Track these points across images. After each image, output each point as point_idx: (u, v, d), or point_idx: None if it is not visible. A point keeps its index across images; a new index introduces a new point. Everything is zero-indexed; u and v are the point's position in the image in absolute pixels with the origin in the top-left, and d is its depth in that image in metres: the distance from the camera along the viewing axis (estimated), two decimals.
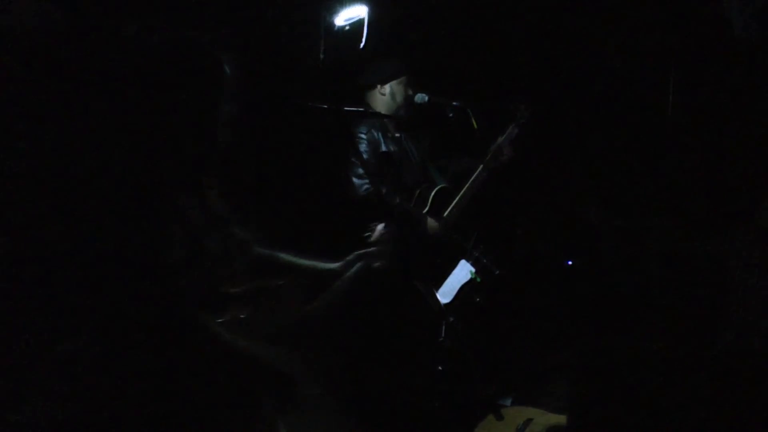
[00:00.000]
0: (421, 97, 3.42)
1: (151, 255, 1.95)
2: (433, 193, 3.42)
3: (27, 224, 2.36)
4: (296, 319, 2.09)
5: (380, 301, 3.16)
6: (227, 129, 2.06)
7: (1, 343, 2.22)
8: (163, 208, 1.95)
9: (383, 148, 3.37)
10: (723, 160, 3.72)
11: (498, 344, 3.71)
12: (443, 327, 2.94)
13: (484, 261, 3.19)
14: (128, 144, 2.26)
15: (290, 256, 2.35)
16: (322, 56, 3.37)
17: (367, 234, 2.42)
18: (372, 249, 2.37)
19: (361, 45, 3.40)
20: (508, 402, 3.41)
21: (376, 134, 3.37)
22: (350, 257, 2.36)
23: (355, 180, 3.23)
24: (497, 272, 3.20)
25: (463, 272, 3.23)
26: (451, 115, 3.34)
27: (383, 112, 3.41)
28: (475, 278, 3.20)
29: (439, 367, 3.02)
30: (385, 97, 3.43)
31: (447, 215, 3.38)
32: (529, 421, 3.00)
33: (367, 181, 3.20)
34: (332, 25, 3.34)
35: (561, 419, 2.98)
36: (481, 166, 3.45)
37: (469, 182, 3.44)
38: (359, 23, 3.35)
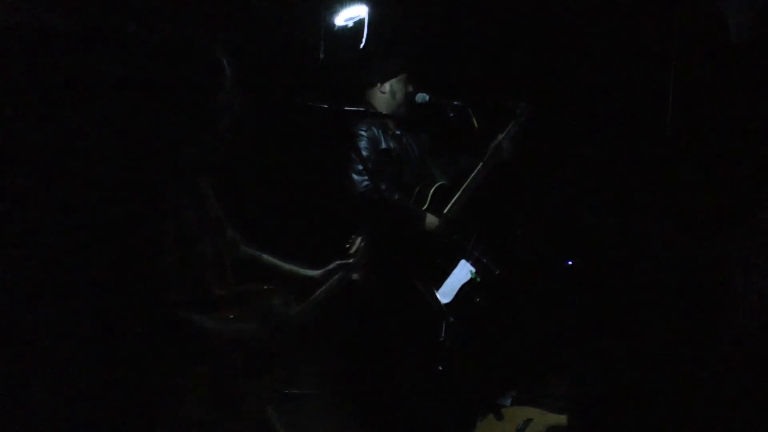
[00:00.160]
0: (422, 97, 3.42)
1: (144, 255, 1.95)
2: (432, 190, 3.43)
3: (23, 224, 2.36)
4: (278, 324, 2.10)
5: (380, 301, 3.17)
6: (227, 128, 2.06)
7: None
8: (157, 208, 1.95)
9: (383, 146, 3.37)
10: (723, 160, 3.72)
11: (498, 344, 3.70)
12: (443, 327, 2.93)
13: (484, 261, 3.19)
14: (124, 144, 2.26)
15: (274, 258, 2.37)
16: (322, 56, 3.37)
17: (347, 245, 2.43)
18: (351, 260, 2.39)
19: (361, 45, 3.40)
20: (508, 402, 3.41)
21: (376, 131, 3.37)
22: (331, 266, 2.38)
23: (354, 177, 3.23)
24: (497, 272, 3.20)
25: (463, 272, 3.23)
26: (451, 114, 3.35)
27: (384, 110, 3.41)
28: (475, 278, 3.20)
29: (439, 367, 3.02)
30: (385, 95, 3.44)
31: (446, 212, 3.38)
32: (529, 421, 3.00)
33: (366, 178, 3.21)
34: (332, 25, 3.34)
35: (561, 419, 2.98)
36: (481, 164, 3.45)
37: (469, 179, 3.44)
38: (359, 23, 3.35)
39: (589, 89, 4.12)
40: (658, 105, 3.93)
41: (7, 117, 2.35)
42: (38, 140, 2.40)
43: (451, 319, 2.82)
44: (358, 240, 2.45)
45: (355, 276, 2.39)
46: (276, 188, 3.49)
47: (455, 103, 3.34)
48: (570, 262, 4.01)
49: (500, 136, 3.52)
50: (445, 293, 3.21)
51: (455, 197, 3.41)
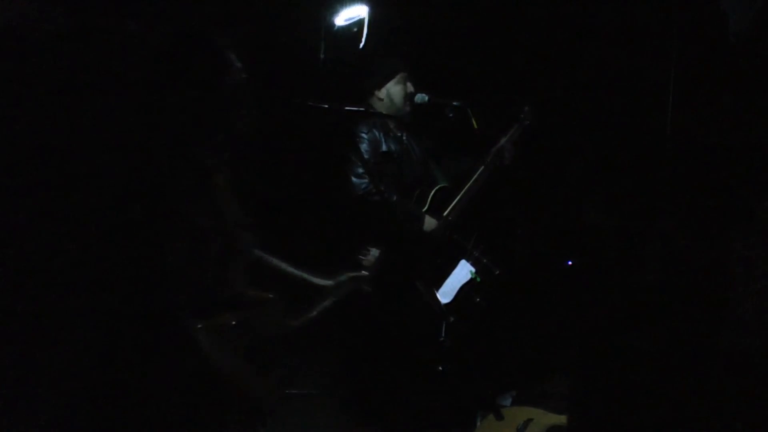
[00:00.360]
0: (421, 97, 3.41)
1: (153, 258, 1.94)
2: (432, 192, 3.42)
3: (27, 225, 2.36)
4: (277, 333, 2.09)
5: (380, 301, 3.16)
6: (240, 124, 2.06)
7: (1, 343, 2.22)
8: (167, 211, 1.95)
9: (384, 148, 3.37)
10: (723, 160, 3.72)
11: (498, 344, 3.71)
12: (443, 327, 2.94)
13: (484, 261, 3.19)
14: (133, 145, 2.25)
15: (284, 263, 2.35)
16: (322, 56, 3.37)
17: (360, 256, 2.41)
18: (363, 273, 2.36)
19: (361, 45, 3.40)
20: (508, 402, 3.40)
21: (377, 134, 3.37)
22: (342, 278, 2.35)
23: (354, 179, 3.23)
24: (497, 272, 3.20)
25: (463, 272, 3.23)
26: (451, 115, 3.34)
27: (385, 113, 3.41)
28: (475, 278, 3.20)
29: (439, 367, 3.02)
30: (383, 100, 3.43)
31: (447, 214, 3.38)
32: (529, 421, 3.00)
33: (366, 180, 3.20)
34: (332, 25, 3.34)
35: (561, 419, 2.98)
36: (483, 167, 3.44)
37: (470, 182, 3.44)
38: (359, 23, 3.35)
39: (589, 89, 4.13)
40: (658, 105, 3.94)
41: (11, 116, 2.35)
42: (45, 140, 2.40)
43: (451, 319, 2.82)
44: (373, 252, 2.41)
45: (366, 288, 2.36)
46: (279, 189, 3.49)
47: (454, 103, 3.33)
48: (570, 262, 4.01)
49: (503, 139, 3.52)
50: (445, 293, 3.21)
51: (456, 199, 3.41)
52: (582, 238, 4.08)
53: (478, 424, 3.19)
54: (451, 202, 3.41)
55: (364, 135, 3.33)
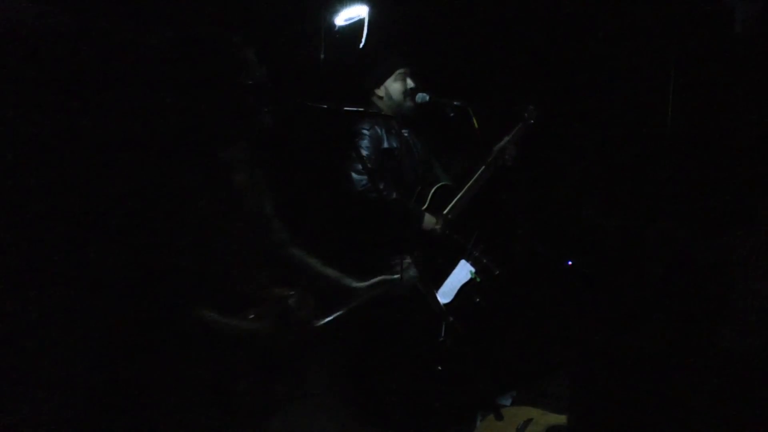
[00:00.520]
0: (421, 97, 3.41)
1: (162, 255, 1.95)
2: (433, 191, 3.42)
3: (32, 225, 2.36)
4: (299, 332, 2.09)
5: (380, 301, 3.16)
6: (260, 119, 2.06)
7: (8, 339, 2.22)
8: (178, 207, 1.95)
9: (385, 145, 3.36)
10: (724, 161, 3.72)
11: (498, 344, 3.70)
12: (443, 327, 2.93)
13: (484, 261, 3.19)
14: (147, 142, 2.25)
15: (320, 263, 2.34)
16: (322, 56, 3.37)
17: (396, 262, 2.40)
18: (397, 277, 2.36)
19: (361, 45, 3.39)
20: (508, 402, 3.41)
21: (379, 131, 3.36)
22: (376, 280, 2.35)
23: (354, 176, 3.22)
24: (497, 272, 3.19)
25: (463, 272, 3.23)
26: (452, 114, 3.34)
27: (387, 112, 3.41)
28: (475, 278, 3.20)
29: (439, 367, 3.02)
30: (383, 98, 3.43)
31: (447, 213, 3.38)
32: (529, 421, 3.00)
33: (365, 177, 3.19)
34: (332, 25, 3.34)
35: (561, 419, 2.98)
36: (484, 167, 3.44)
37: (471, 181, 3.44)
38: (359, 23, 3.35)
39: (590, 88, 4.13)
40: (659, 104, 3.94)
41: (20, 113, 2.35)
42: (57, 138, 2.40)
43: (451, 319, 2.82)
44: (409, 259, 2.41)
45: (399, 293, 2.36)
46: (279, 189, 3.49)
47: (455, 102, 3.33)
48: (570, 262, 4.01)
49: (506, 139, 3.52)
50: (445, 293, 3.21)
51: (456, 199, 3.41)
52: (582, 238, 4.08)
53: (478, 424, 3.19)
54: (452, 201, 3.41)
55: (365, 132, 3.32)
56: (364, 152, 3.26)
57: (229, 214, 2.03)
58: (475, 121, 3.31)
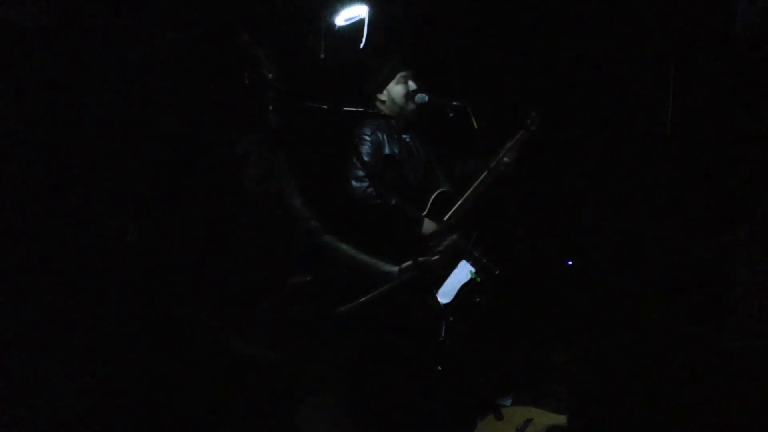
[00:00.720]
0: (421, 98, 3.41)
1: (176, 248, 1.95)
2: (434, 196, 3.42)
3: (35, 224, 2.36)
4: (319, 318, 2.09)
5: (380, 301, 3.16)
6: (273, 109, 2.06)
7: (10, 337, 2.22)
8: (189, 200, 1.96)
9: (386, 150, 3.36)
10: (724, 161, 3.72)
11: (498, 344, 3.70)
12: (443, 327, 2.93)
13: (484, 261, 3.19)
14: (160, 137, 2.25)
15: (353, 249, 2.35)
16: (322, 56, 3.37)
17: (432, 243, 2.41)
18: (432, 258, 2.36)
19: (361, 45, 3.39)
20: (508, 402, 3.40)
21: (380, 136, 3.36)
22: (409, 263, 2.35)
23: (354, 182, 3.23)
24: (497, 272, 3.19)
25: (463, 272, 3.23)
26: (451, 115, 3.34)
27: (390, 115, 3.41)
28: (475, 278, 3.20)
29: (439, 367, 3.02)
30: (386, 103, 3.43)
31: (448, 218, 3.38)
32: (529, 421, 3.00)
33: (366, 183, 3.20)
34: (332, 25, 3.34)
35: (561, 419, 2.98)
36: (486, 172, 3.44)
37: (473, 187, 3.43)
38: (359, 23, 3.35)
39: (589, 89, 4.12)
40: (659, 104, 3.93)
41: (33, 111, 2.35)
42: (66, 135, 2.40)
43: (451, 319, 2.82)
44: (445, 243, 2.41)
45: (431, 275, 2.36)
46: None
47: (454, 103, 3.33)
48: (570, 262, 4.01)
49: (508, 144, 3.52)
50: (445, 293, 3.21)
51: (457, 204, 3.41)
52: (582, 238, 4.07)
53: (478, 424, 3.19)
54: (452, 206, 3.41)
55: (366, 137, 3.32)
56: (366, 158, 3.27)
57: (245, 206, 2.03)
58: (474, 121, 3.31)
